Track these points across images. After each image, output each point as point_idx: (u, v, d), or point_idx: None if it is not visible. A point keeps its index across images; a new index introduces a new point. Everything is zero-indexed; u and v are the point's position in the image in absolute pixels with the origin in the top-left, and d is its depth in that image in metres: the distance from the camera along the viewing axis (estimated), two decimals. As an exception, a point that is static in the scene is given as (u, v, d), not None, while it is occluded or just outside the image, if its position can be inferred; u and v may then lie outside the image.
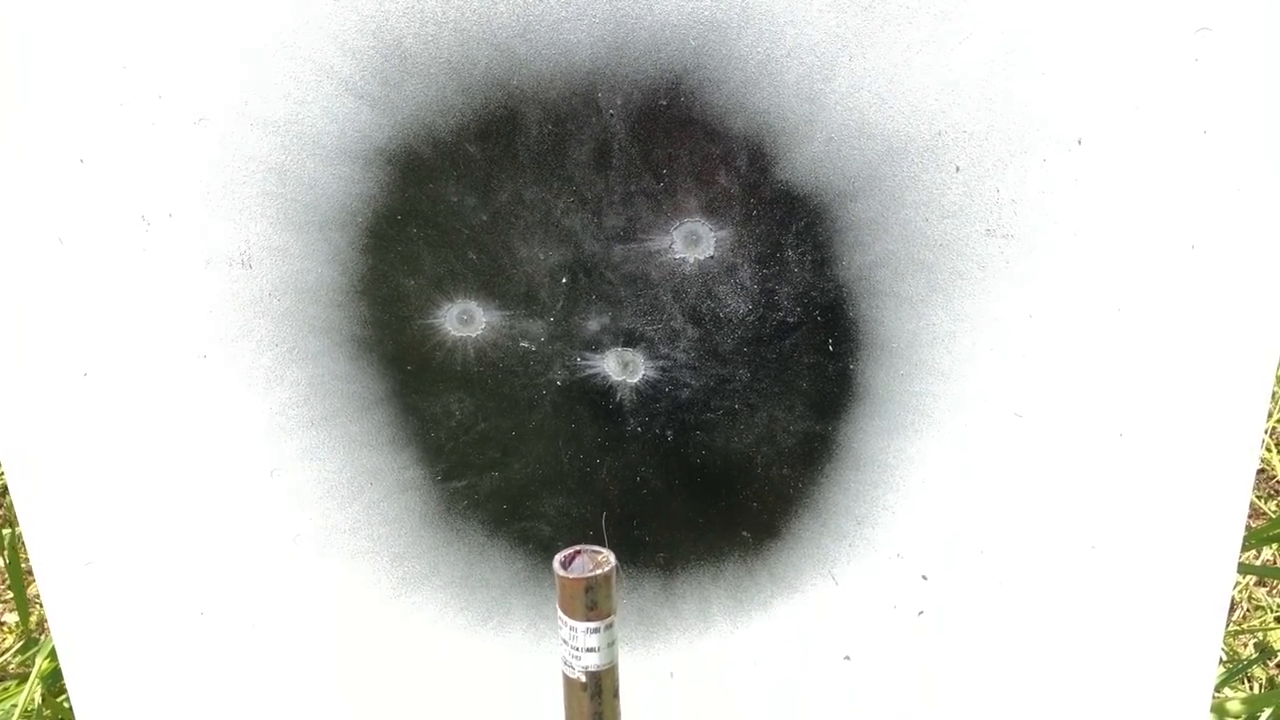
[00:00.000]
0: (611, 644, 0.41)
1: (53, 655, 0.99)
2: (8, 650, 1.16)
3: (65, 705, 1.02)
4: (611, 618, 0.41)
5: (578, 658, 0.41)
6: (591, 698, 0.41)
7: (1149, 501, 0.60)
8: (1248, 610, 1.22)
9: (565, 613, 0.41)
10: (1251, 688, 1.11)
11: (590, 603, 0.40)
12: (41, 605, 1.26)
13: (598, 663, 0.41)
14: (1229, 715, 0.92)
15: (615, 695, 0.42)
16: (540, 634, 0.64)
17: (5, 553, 1.05)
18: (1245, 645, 1.16)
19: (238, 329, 0.58)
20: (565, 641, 0.41)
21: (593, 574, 0.40)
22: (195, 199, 0.55)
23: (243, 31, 0.52)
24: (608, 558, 0.42)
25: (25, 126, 0.54)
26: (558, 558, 0.41)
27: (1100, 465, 0.59)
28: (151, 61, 0.53)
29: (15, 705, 0.97)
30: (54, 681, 1.03)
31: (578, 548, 0.42)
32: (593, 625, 0.40)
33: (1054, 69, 0.51)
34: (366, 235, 0.56)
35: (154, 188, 0.55)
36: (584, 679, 0.41)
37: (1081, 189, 0.54)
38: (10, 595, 1.32)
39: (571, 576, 0.40)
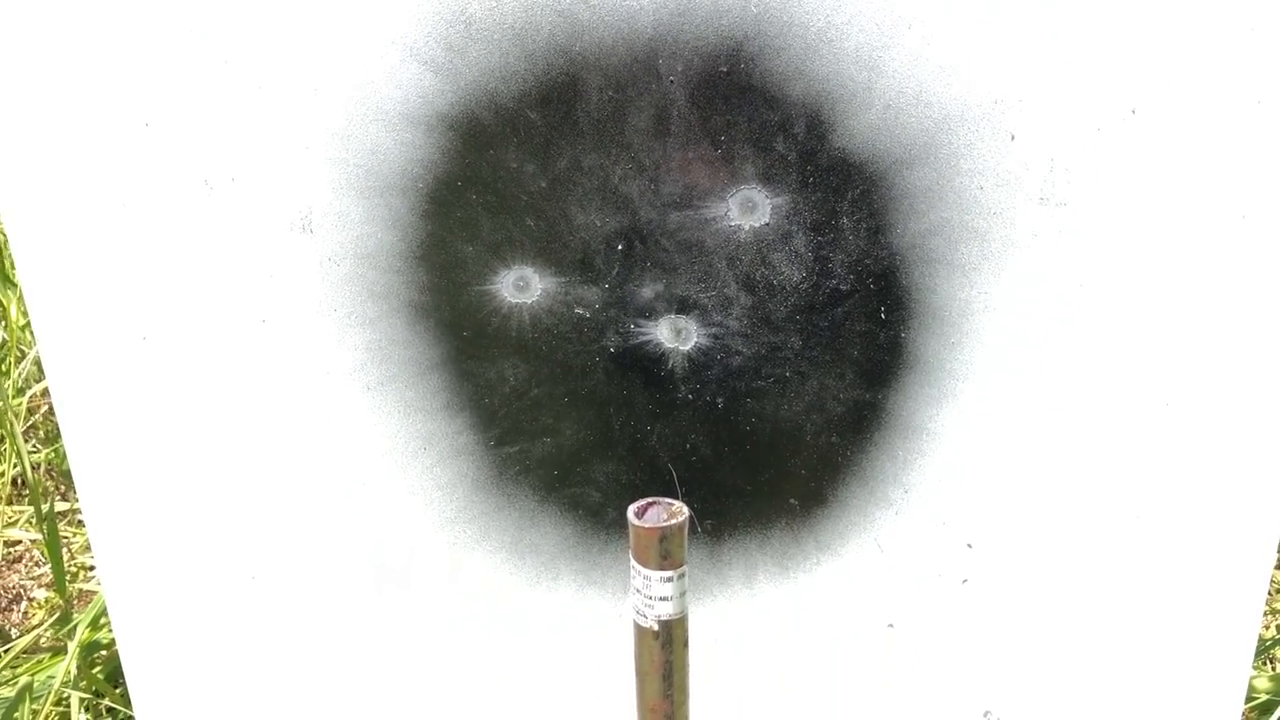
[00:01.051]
0: (683, 594, 0.42)
1: (91, 628, 1.01)
2: (40, 625, 1.17)
3: (100, 676, 1.03)
4: (684, 567, 0.42)
5: (650, 607, 0.42)
6: (663, 646, 0.42)
7: (1194, 471, 0.61)
8: (1271, 592, 1.23)
9: (639, 562, 0.42)
10: (1274, 668, 1.12)
11: (664, 552, 0.41)
12: (70, 581, 1.27)
13: (670, 611, 0.42)
14: (1256, 692, 0.92)
15: (685, 645, 0.43)
16: (587, 598, 0.65)
17: (44, 526, 1.06)
18: (1268, 627, 1.17)
19: (297, 293, 0.58)
20: (639, 591, 0.42)
21: (667, 524, 0.41)
22: (258, 163, 0.56)
23: (308, -3, 0.53)
24: (681, 508, 0.42)
25: (91, 90, 0.55)
26: (631, 508, 0.42)
27: (1146, 435, 0.60)
28: (217, 26, 0.53)
29: (53, 677, 0.98)
30: (88, 653, 1.04)
31: (650, 499, 0.42)
32: (666, 574, 0.41)
33: (1109, 38, 0.52)
34: (427, 201, 0.56)
35: (217, 152, 0.56)
36: (656, 628, 0.42)
37: (1135, 158, 0.54)
38: (39, 570, 1.33)
39: (646, 526, 0.41)
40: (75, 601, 1.25)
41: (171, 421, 0.62)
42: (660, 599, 0.42)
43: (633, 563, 0.42)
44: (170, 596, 0.66)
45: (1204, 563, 0.63)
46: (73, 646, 0.98)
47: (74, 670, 0.99)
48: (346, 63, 0.54)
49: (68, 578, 1.30)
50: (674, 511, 0.42)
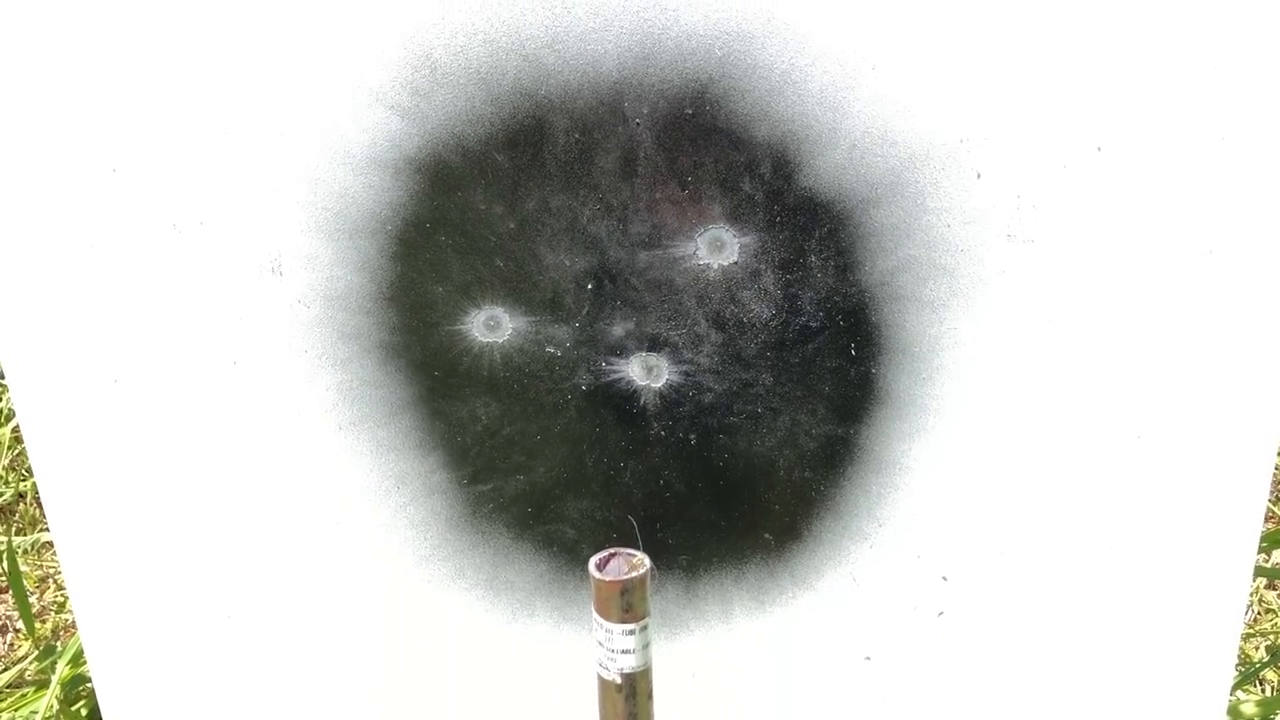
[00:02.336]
0: (646, 645, 0.42)
1: (73, 662, 1.00)
2: (24, 658, 1.16)
3: (80, 713, 1.03)
4: (646, 620, 0.42)
5: (613, 659, 0.42)
6: (626, 699, 0.42)
7: (1166, 503, 0.61)
8: (1259, 613, 1.23)
9: (601, 615, 0.41)
10: (1264, 690, 1.12)
11: (626, 605, 0.41)
12: (55, 613, 1.27)
13: (633, 664, 0.42)
14: (1243, 718, 0.92)
15: (649, 697, 0.43)
16: (564, 636, 0.65)
17: (5, 560, 1.05)
18: (1256, 648, 1.16)
19: (268, 336, 0.58)
20: (601, 644, 0.42)
21: (628, 576, 0.41)
22: (226, 207, 0.56)
23: (274, 42, 0.53)
24: (642, 560, 0.42)
25: (58, 135, 0.55)
26: (593, 560, 0.42)
27: (1118, 468, 0.60)
28: (184, 72, 0.53)
29: (35, 712, 0.97)
30: (70, 689, 1.04)
31: (612, 550, 0.42)
32: (628, 627, 0.41)
33: (1074, 77, 0.52)
34: (396, 243, 0.56)
35: (185, 196, 0.56)
36: (619, 680, 0.42)
37: (1101, 194, 0.54)
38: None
39: (607, 579, 0.41)
40: (61, 634, 1.25)
41: (144, 463, 0.61)
42: (623, 652, 0.41)
43: (594, 615, 0.42)
44: (147, 636, 0.65)
45: (1180, 590, 0.63)
46: (54, 682, 0.97)
47: (55, 706, 0.98)
48: (313, 107, 0.54)
49: (55, 608, 1.29)
50: (635, 564, 0.42)
